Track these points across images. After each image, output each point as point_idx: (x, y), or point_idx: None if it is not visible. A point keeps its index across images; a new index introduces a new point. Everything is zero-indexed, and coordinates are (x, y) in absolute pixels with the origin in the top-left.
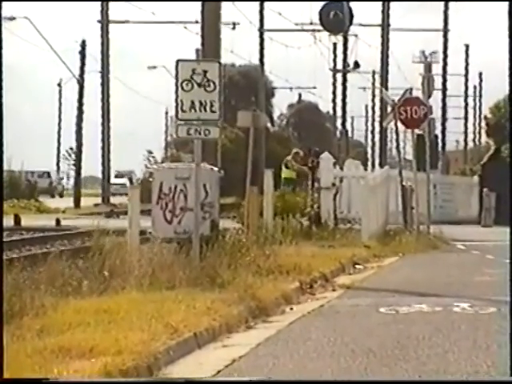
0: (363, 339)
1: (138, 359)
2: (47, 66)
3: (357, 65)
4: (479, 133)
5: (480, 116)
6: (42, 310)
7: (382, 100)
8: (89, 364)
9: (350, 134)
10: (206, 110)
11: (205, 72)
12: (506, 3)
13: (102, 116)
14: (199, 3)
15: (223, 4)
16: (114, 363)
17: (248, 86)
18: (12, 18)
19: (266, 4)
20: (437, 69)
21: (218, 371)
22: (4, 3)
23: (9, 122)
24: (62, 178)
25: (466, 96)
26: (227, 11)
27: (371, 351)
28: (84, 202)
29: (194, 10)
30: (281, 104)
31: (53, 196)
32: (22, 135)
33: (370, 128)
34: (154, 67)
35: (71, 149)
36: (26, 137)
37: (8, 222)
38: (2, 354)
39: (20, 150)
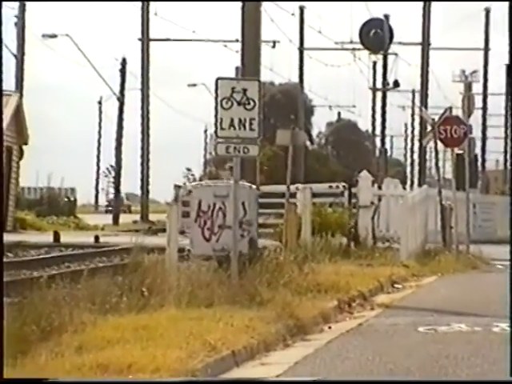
0: (402, 359)
1: (175, 376)
2: (87, 83)
3: (396, 83)
4: None
5: None
6: (81, 326)
7: (421, 119)
8: None
9: (388, 153)
10: (245, 127)
11: (244, 90)
12: (506, 3)
13: (142, 133)
14: (239, 22)
15: (263, 22)
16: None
17: (287, 104)
18: (53, 36)
19: (306, 22)
20: (477, 87)
21: None
22: (45, 20)
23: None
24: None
25: (507, 115)
26: (267, 30)
27: (410, 371)
28: (122, 218)
29: (235, 29)
30: (320, 122)
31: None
32: (62, 152)
33: (409, 147)
34: (194, 85)
35: (111, 166)
36: (66, 153)
37: (47, 238)
38: (2, 353)
39: (60, 167)
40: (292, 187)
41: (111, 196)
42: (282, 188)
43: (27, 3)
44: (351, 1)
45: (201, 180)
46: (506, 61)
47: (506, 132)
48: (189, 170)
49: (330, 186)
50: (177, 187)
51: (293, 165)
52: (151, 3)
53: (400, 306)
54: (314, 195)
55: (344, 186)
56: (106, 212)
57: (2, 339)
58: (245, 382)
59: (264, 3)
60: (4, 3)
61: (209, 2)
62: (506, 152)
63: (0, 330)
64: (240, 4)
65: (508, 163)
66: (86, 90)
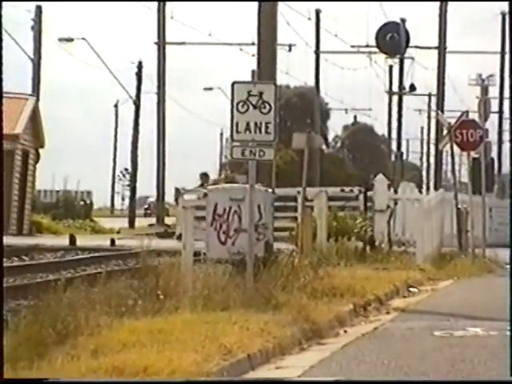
0: (417, 363)
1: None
2: (104, 87)
3: (413, 87)
4: None
5: None
6: (97, 329)
7: (437, 122)
8: None
9: (405, 157)
10: (261, 131)
11: (260, 93)
12: (506, 3)
13: (158, 136)
14: (255, 25)
15: (279, 26)
16: None
17: (303, 108)
18: (70, 39)
19: (322, 26)
20: (494, 91)
21: None
22: (61, 24)
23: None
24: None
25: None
26: (283, 33)
27: (425, 375)
28: (138, 222)
29: (251, 32)
30: (336, 126)
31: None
32: (78, 155)
33: (425, 150)
34: (210, 89)
35: (126, 169)
36: (82, 157)
37: (63, 241)
38: (2, 353)
39: (76, 170)
40: (293, 191)
41: (149, 200)
42: (292, 191)
43: (44, 7)
44: (367, 1)
45: (216, 183)
46: None
47: None
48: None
49: (342, 190)
50: (177, 190)
51: (308, 168)
52: (167, 7)
53: (416, 309)
54: (329, 199)
55: (360, 190)
56: (146, 216)
57: (1, 339)
58: (248, 382)
59: (280, 7)
60: (21, 7)
61: (225, 6)
62: None
63: (0, 330)
64: (256, 7)
65: None
66: (103, 94)
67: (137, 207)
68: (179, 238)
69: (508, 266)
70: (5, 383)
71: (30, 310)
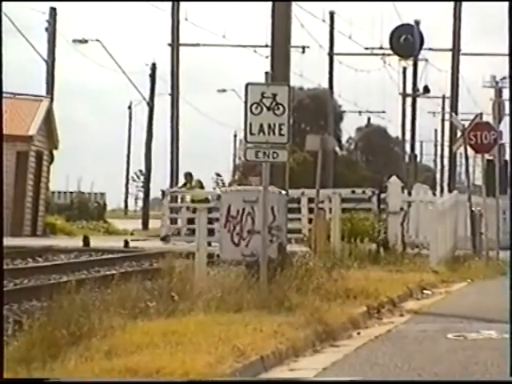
0: (430, 365)
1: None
2: (117, 88)
3: (426, 89)
4: None
5: None
6: (111, 331)
7: (451, 125)
8: None
9: (418, 159)
10: (274, 133)
11: (274, 95)
12: (506, 3)
13: (171, 138)
14: (269, 27)
15: (293, 28)
16: None
17: (317, 110)
18: (84, 41)
19: (336, 28)
20: (507, 93)
21: None
22: (76, 26)
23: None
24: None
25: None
26: (297, 35)
27: (438, 377)
28: (152, 223)
29: (264, 34)
30: (349, 128)
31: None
32: (92, 156)
33: (439, 153)
34: (224, 90)
35: (140, 171)
36: (96, 158)
37: (77, 243)
38: (2, 353)
39: (90, 172)
40: (297, 192)
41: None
42: (295, 192)
43: (58, 8)
44: (382, 1)
45: (230, 185)
46: None
47: None
48: (218, 175)
49: (353, 191)
50: (162, 192)
51: (322, 170)
52: (182, 9)
53: (429, 312)
54: (342, 200)
55: (373, 192)
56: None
57: (2, 339)
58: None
59: (294, 9)
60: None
61: (239, 8)
62: None
63: (0, 330)
64: (270, 9)
65: None
66: (116, 95)
67: (150, 209)
68: (163, 239)
69: None
70: (5, 383)
71: (44, 312)
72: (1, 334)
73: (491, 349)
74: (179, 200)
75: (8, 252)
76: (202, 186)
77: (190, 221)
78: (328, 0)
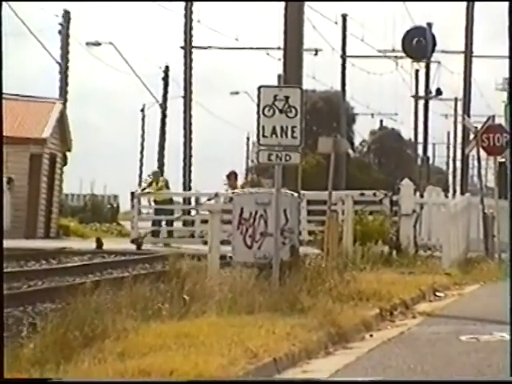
0: (443, 367)
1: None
2: (130, 91)
3: (439, 92)
4: None
5: None
6: (124, 333)
7: (463, 127)
8: None
9: (431, 161)
10: (287, 135)
11: (286, 98)
12: (506, 3)
13: (184, 140)
14: (282, 30)
15: (305, 30)
16: None
17: (329, 112)
18: (97, 44)
19: (348, 30)
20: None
21: None
22: (89, 28)
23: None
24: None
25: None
26: (309, 38)
27: (452, 379)
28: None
29: (277, 37)
30: (362, 130)
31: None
32: (105, 159)
33: (451, 155)
34: (237, 93)
35: (154, 172)
36: (109, 160)
37: (90, 245)
38: (2, 353)
39: (103, 174)
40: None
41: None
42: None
43: (71, 11)
44: (393, 0)
45: (243, 188)
46: None
47: None
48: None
49: (362, 194)
50: (132, 194)
51: (334, 173)
52: (194, 11)
53: (442, 314)
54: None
55: (385, 194)
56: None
57: (2, 339)
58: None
59: (306, 12)
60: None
61: (252, 10)
62: None
63: (0, 330)
64: (283, 12)
65: None
66: (129, 98)
67: None
68: (133, 242)
69: None
70: (5, 383)
71: (58, 313)
72: (1, 334)
73: (504, 351)
74: (146, 201)
75: (22, 254)
76: (168, 186)
77: (157, 222)
78: (340, 0)
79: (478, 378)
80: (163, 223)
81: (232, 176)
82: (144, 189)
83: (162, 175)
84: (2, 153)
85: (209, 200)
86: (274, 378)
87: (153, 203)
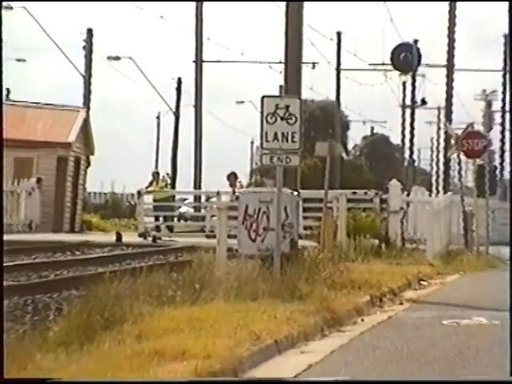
0: (427, 349)
1: (224, 363)
2: (147, 100)
3: (424, 101)
4: None
5: None
6: (140, 317)
7: (446, 133)
8: (181, 366)
9: (416, 163)
10: (287, 140)
11: (287, 107)
12: (506, 3)
13: (195, 145)
14: (283, 45)
15: (304, 46)
16: (203, 366)
17: (325, 120)
18: (117, 58)
19: (342, 46)
20: (497, 105)
21: (297, 374)
22: (109, 43)
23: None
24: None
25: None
26: (308, 52)
27: (434, 359)
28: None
29: (278, 51)
30: (355, 136)
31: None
32: (124, 162)
33: (434, 158)
34: (242, 102)
35: (167, 174)
36: (127, 163)
37: (110, 238)
38: (2, 353)
39: (122, 175)
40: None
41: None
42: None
43: (94, 28)
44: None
45: (247, 187)
46: None
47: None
48: (157, 172)
49: (354, 193)
50: (138, 193)
51: (330, 174)
52: (205, 29)
53: (426, 301)
54: (348, 201)
55: (376, 193)
56: (179, 220)
57: (2, 339)
58: (252, 382)
59: (305, 29)
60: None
61: (256, 28)
62: None
63: (0, 330)
64: (283, 30)
65: None
66: (146, 107)
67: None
68: (141, 235)
69: (508, 262)
70: (5, 383)
71: (81, 300)
72: (1, 334)
73: (482, 334)
74: (150, 199)
75: (49, 246)
76: (167, 185)
77: (159, 218)
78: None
79: (478, 378)
80: (161, 219)
81: (232, 176)
82: (147, 187)
83: (158, 175)
84: (2, 153)
85: (209, 198)
86: (274, 378)
87: (152, 200)
